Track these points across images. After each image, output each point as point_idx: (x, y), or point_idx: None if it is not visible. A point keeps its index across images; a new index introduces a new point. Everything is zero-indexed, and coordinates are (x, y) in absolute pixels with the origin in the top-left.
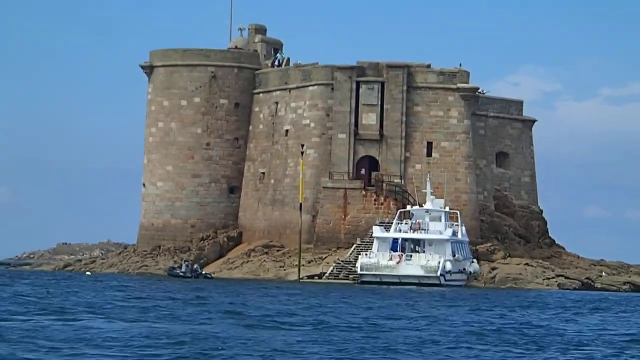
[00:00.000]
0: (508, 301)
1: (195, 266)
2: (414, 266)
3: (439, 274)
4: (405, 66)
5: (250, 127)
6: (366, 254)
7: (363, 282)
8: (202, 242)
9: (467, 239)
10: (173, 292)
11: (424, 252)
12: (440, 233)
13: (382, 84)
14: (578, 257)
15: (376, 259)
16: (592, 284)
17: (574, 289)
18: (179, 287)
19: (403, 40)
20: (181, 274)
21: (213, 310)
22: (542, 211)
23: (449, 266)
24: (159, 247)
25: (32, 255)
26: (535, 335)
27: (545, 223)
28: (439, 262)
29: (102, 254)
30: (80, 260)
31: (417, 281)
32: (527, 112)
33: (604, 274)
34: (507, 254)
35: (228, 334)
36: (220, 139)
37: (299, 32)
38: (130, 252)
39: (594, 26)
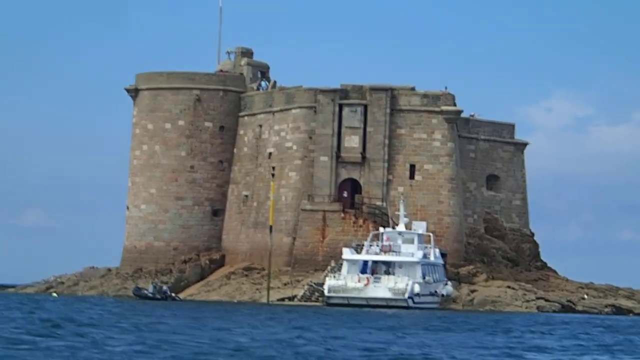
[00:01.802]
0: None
1: (164, 288)
2: (382, 288)
3: (406, 296)
4: (388, 89)
5: (235, 150)
6: (334, 276)
7: (330, 304)
8: (183, 264)
9: (440, 262)
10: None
11: (393, 274)
12: (412, 255)
13: (365, 106)
14: (566, 279)
15: (344, 281)
16: (574, 306)
17: (554, 311)
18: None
19: (393, 64)
20: (150, 295)
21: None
22: (533, 234)
23: (417, 289)
24: (141, 270)
25: (59, 279)
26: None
27: (537, 246)
28: (407, 285)
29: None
30: (62, 283)
31: (384, 303)
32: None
33: (586, 296)
34: (491, 277)
35: None
36: (204, 161)
37: (286, 55)
38: (113, 275)
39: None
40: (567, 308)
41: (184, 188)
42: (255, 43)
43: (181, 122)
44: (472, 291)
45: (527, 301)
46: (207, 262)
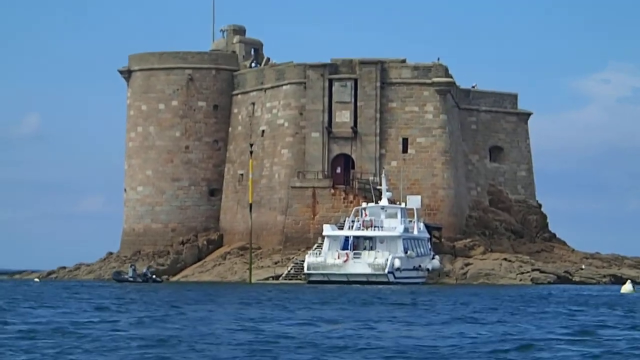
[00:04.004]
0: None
1: (145, 270)
2: (362, 264)
3: (386, 271)
4: (378, 62)
5: (230, 129)
6: (314, 253)
7: (311, 282)
8: (181, 246)
9: (426, 235)
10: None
11: (374, 249)
12: (394, 230)
13: (355, 80)
14: (572, 250)
15: (323, 258)
16: (571, 277)
17: (549, 283)
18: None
19: (395, 39)
20: (130, 278)
21: None
22: (540, 205)
23: (398, 263)
24: (139, 252)
25: (78, 266)
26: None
27: (545, 217)
28: (387, 260)
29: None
30: (64, 268)
31: (365, 279)
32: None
33: (583, 267)
34: (489, 250)
35: None
36: (199, 141)
37: (279, 31)
38: (112, 258)
39: None
40: (563, 279)
41: (179, 169)
42: (248, 20)
43: (175, 103)
44: (467, 264)
45: (522, 273)
46: (205, 242)
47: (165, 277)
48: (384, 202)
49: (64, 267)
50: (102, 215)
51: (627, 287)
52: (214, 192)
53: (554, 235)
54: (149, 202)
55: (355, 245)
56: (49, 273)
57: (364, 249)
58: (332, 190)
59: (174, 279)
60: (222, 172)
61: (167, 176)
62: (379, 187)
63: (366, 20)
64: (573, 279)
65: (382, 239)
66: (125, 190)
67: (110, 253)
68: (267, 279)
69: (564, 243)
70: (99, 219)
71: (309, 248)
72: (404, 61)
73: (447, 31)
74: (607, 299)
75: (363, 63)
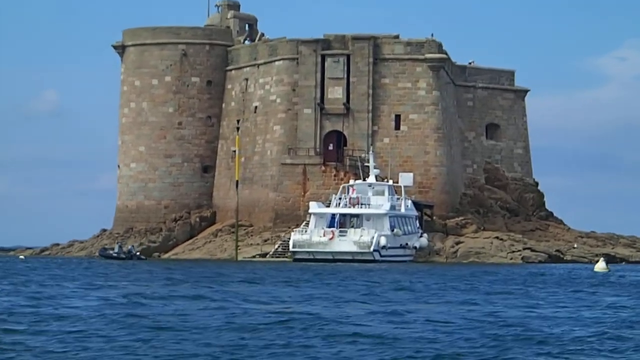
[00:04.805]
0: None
1: (129, 247)
2: (347, 242)
3: (372, 249)
4: (371, 38)
5: (224, 105)
6: (300, 231)
7: (296, 260)
8: (173, 223)
9: (414, 213)
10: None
11: (360, 227)
12: (380, 207)
13: (348, 56)
14: (568, 229)
15: (309, 236)
16: (562, 256)
17: (540, 262)
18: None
19: (393, 14)
20: (114, 254)
21: None
22: (537, 183)
23: (383, 241)
24: (132, 229)
25: (72, 243)
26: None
27: (542, 195)
28: (373, 238)
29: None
30: (57, 244)
31: (350, 257)
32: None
33: (576, 245)
34: (482, 228)
35: None
36: (192, 117)
37: (273, 6)
38: (105, 235)
39: None
40: (554, 258)
41: (172, 145)
42: None
43: (168, 78)
44: (458, 243)
45: (513, 252)
46: (198, 219)
47: (156, 254)
48: (371, 179)
49: (57, 244)
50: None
51: (600, 266)
52: (207, 169)
53: (551, 213)
54: (142, 178)
55: (341, 223)
56: (42, 250)
57: (351, 226)
58: (323, 168)
59: (165, 256)
60: (215, 148)
61: (160, 152)
62: (366, 164)
63: None
64: (565, 258)
65: (369, 217)
66: (118, 166)
67: (104, 230)
68: (254, 256)
69: (561, 222)
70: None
71: (299, 226)
72: (397, 37)
73: (444, 7)
74: (565, 278)
75: (355, 39)
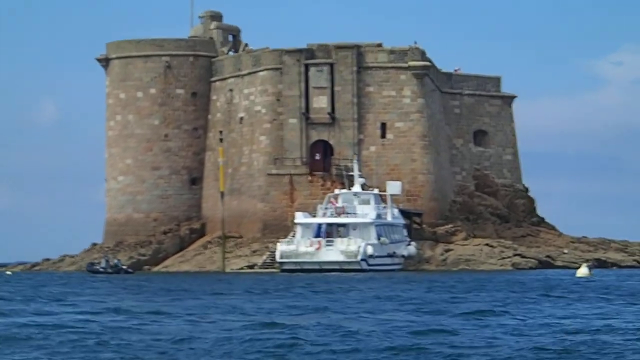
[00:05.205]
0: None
1: (115, 261)
2: (334, 252)
3: (359, 258)
4: (354, 46)
5: (209, 116)
6: (287, 242)
7: (284, 271)
8: (163, 235)
9: (401, 222)
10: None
11: (347, 237)
12: (366, 216)
13: (332, 65)
14: (559, 235)
15: (295, 246)
16: (553, 262)
17: (530, 268)
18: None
19: (376, 22)
20: (101, 269)
21: None
22: (527, 189)
23: (370, 250)
24: (121, 243)
25: (62, 258)
26: None
27: (532, 201)
28: (360, 247)
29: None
30: (48, 259)
31: (337, 267)
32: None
33: (566, 251)
34: (472, 235)
35: None
36: (178, 129)
37: (256, 17)
38: (96, 249)
39: None
40: (545, 264)
41: (159, 157)
42: (226, 6)
43: (153, 90)
44: (447, 250)
45: (503, 258)
46: (188, 232)
47: (146, 267)
48: (356, 188)
49: (48, 259)
50: None
51: (582, 271)
52: (195, 181)
53: (542, 219)
54: (130, 191)
55: (328, 232)
56: (33, 265)
57: (338, 236)
58: (310, 177)
59: (155, 269)
60: (202, 160)
61: (147, 165)
62: (350, 173)
63: (342, 3)
64: (555, 264)
65: (355, 226)
66: (106, 180)
67: (95, 244)
68: (241, 268)
69: (553, 227)
70: None
71: (287, 236)
72: (380, 45)
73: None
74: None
75: (339, 47)
